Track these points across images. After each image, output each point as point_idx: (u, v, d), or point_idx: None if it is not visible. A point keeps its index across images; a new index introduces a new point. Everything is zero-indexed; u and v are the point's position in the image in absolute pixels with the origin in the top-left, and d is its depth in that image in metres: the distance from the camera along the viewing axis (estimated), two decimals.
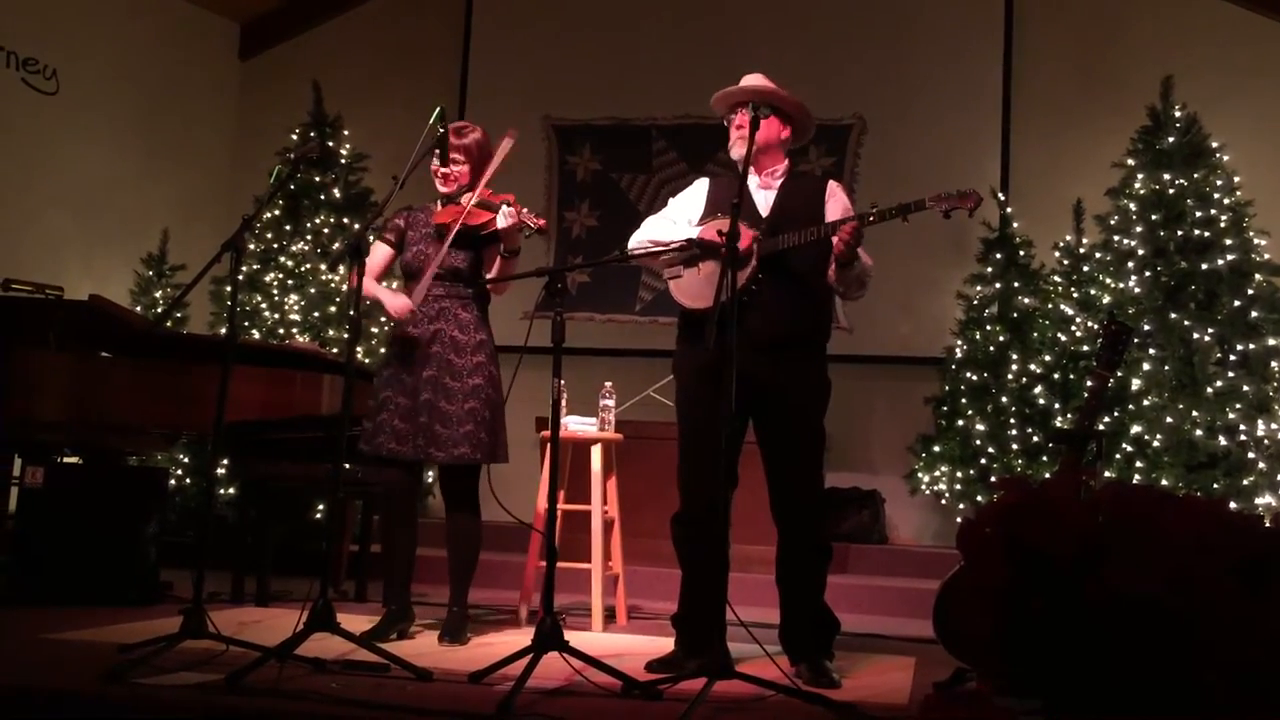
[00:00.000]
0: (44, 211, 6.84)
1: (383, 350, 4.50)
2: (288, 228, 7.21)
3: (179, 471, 6.74)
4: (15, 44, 6.69)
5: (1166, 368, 5.98)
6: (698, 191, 3.90)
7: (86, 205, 7.12)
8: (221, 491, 6.53)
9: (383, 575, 4.29)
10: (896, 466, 6.68)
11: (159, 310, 7.03)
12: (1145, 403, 5.95)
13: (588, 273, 7.42)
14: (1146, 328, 6.03)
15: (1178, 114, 6.29)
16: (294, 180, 6.95)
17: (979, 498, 6.18)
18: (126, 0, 7.42)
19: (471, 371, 4.06)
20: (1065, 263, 6.49)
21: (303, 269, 7.08)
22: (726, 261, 3.25)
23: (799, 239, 3.58)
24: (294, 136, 7.29)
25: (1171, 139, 6.26)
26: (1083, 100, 6.92)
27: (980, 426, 6.32)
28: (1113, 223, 6.34)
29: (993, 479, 6.15)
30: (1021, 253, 6.55)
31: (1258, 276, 6.06)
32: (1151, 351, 6.03)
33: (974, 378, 6.42)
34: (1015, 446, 6.24)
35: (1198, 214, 6.13)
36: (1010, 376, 6.33)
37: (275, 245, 7.20)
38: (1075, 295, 6.37)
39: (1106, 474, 5.62)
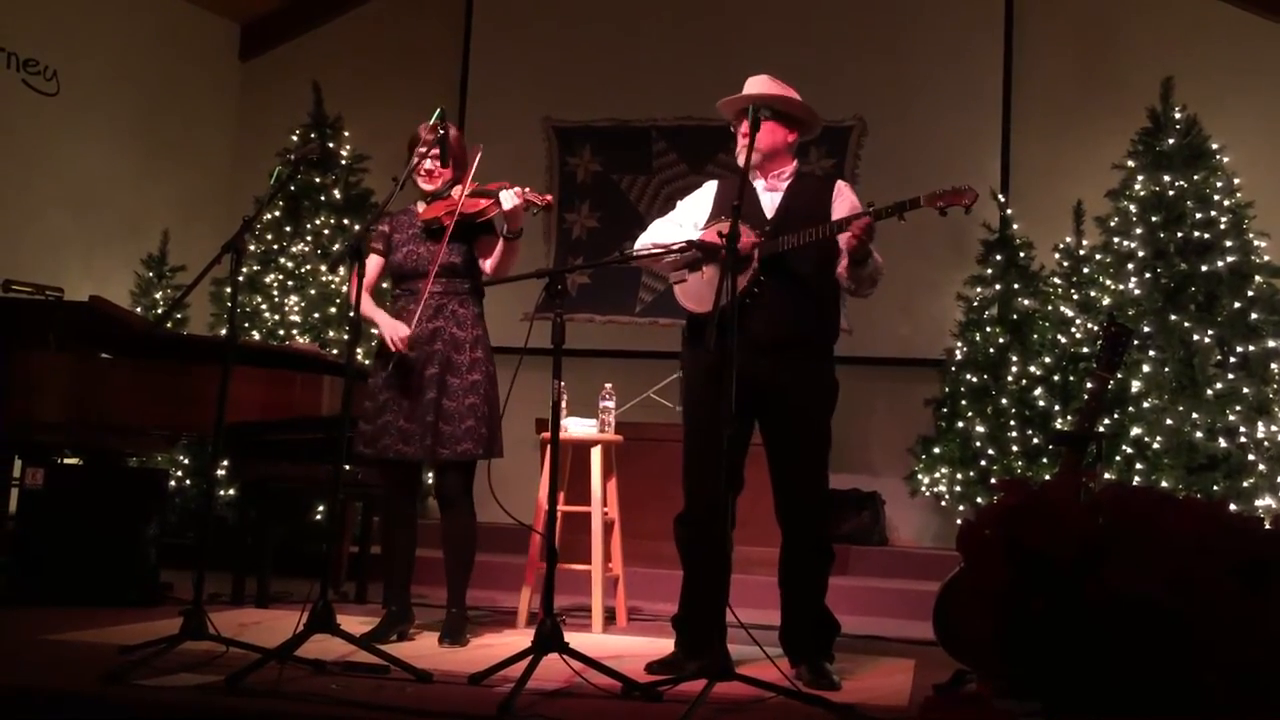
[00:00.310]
0: (44, 212, 6.84)
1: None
2: (288, 229, 7.22)
3: (179, 473, 6.74)
4: (16, 45, 6.69)
5: (1166, 369, 5.98)
6: (705, 194, 3.90)
7: (87, 206, 7.12)
8: (221, 493, 6.52)
9: (382, 577, 4.29)
10: (896, 468, 6.68)
11: (159, 311, 7.03)
12: (1145, 404, 5.95)
13: (588, 274, 7.42)
14: (1146, 329, 6.03)
15: (1178, 115, 6.29)
16: (294, 181, 6.96)
17: (979, 499, 6.18)
18: (127, 1, 7.42)
19: (471, 367, 4.07)
20: (1065, 264, 6.49)
21: (303, 270, 7.08)
22: (726, 264, 3.26)
23: (799, 240, 3.58)
24: (294, 137, 7.29)
25: (1172, 140, 6.26)
26: (1083, 101, 6.92)
27: (980, 428, 6.32)
28: (1113, 224, 6.34)
29: (993, 481, 6.15)
30: (1021, 254, 6.55)
31: (1258, 278, 6.06)
32: (1151, 353, 6.03)
33: (974, 379, 6.42)
34: (1015, 448, 6.24)
35: (1198, 215, 6.13)
36: (1010, 378, 6.33)
37: (275, 246, 7.20)
38: (1075, 297, 6.37)
39: (1106, 476, 5.63)
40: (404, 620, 4.10)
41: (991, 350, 6.41)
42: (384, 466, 4.14)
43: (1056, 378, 6.28)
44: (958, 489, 6.35)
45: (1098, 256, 6.37)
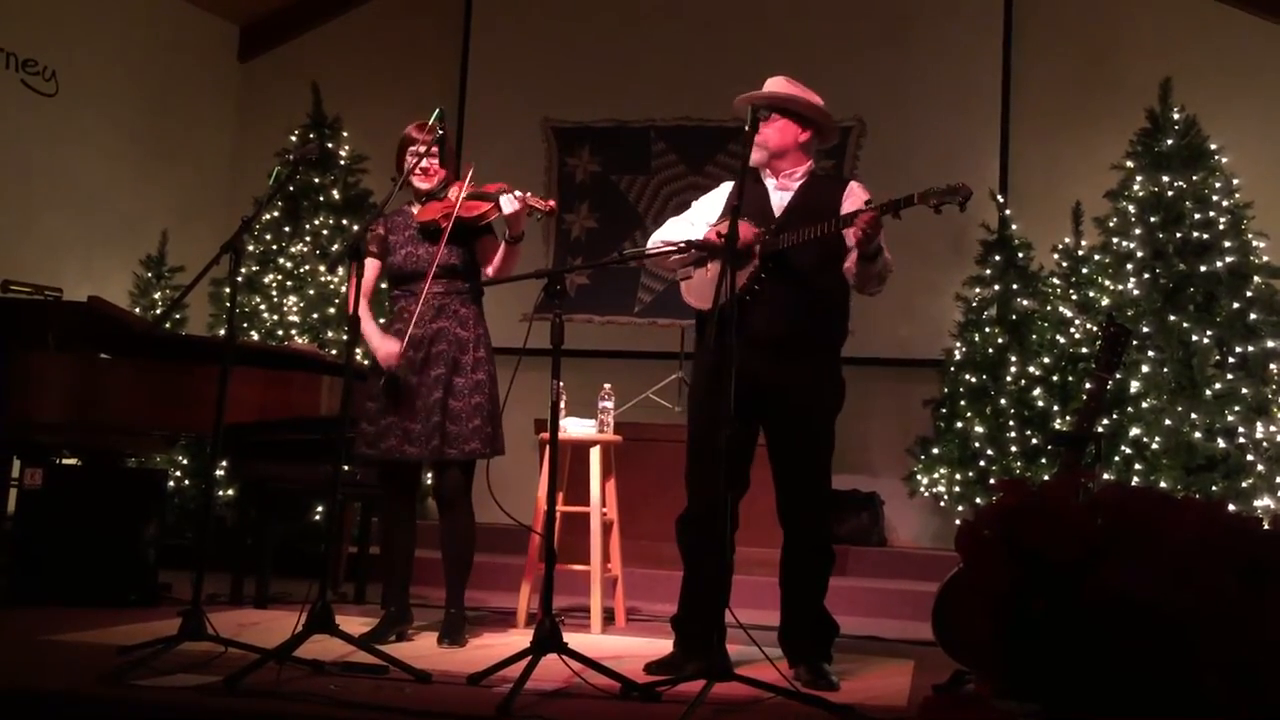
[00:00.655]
0: (43, 213, 6.84)
1: None
2: (287, 229, 7.22)
3: (178, 473, 6.74)
4: (15, 45, 6.69)
5: (1165, 370, 5.99)
6: (720, 193, 3.89)
7: (85, 206, 7.12)
8: (220, 493, 6.53)
9: (381, 577, 4.29)
10: (895, 468, 6.68)
11: (158, 311, 7.03)
12: (1144, 405, 5.95)
13: (587, 274, 7.42)
14: (1145, 330, 6.04)
15: (1176, 116, 6.29)
16: (293, 181, 6.96)
17: (978, 500, 6.18)
18: (126, 2, 7.42)
19: (474, 367, 4.07)
20: (1064, 265, 6.49)
21: (302, 270, 7.08)
22: (724, 262, 3.26)
23: (798, 237, 3.58)
24: (293, 138, 7.29)
25: (1170, 141, 6.26)
26: (1082, 102, 6.93)
27: (979, 428, 6.32)
28: (1112, 225, 6.35)
29: (992, 481, 6.15)
30: (1020, 255, 6.56)
31: (1256, 279, 6.06)
32: (1150, 353, 6.03)
33: (973, 379, 6.43)
34: (1014, 448, 6.25)
35: (1196, 216, 6.13)
36: (1009, 378, 6.33)
37: (274, 246, 7.20)
38: (1074, 297, 6.38)
39: (1105, 476, 5.62)
40: (403, 621, 4.10)
41: (990, 350, 6.42)
42: (384, 467, 4.13)
43: (1055, 378, 6.28)
44: (957, 489, 6.35)
45: (1096, 257, 6.38)
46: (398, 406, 4.02)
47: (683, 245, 3.73)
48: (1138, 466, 5.89)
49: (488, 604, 5.00)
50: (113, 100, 7.31)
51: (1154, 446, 5.89)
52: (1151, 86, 6.35)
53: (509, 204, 3.96)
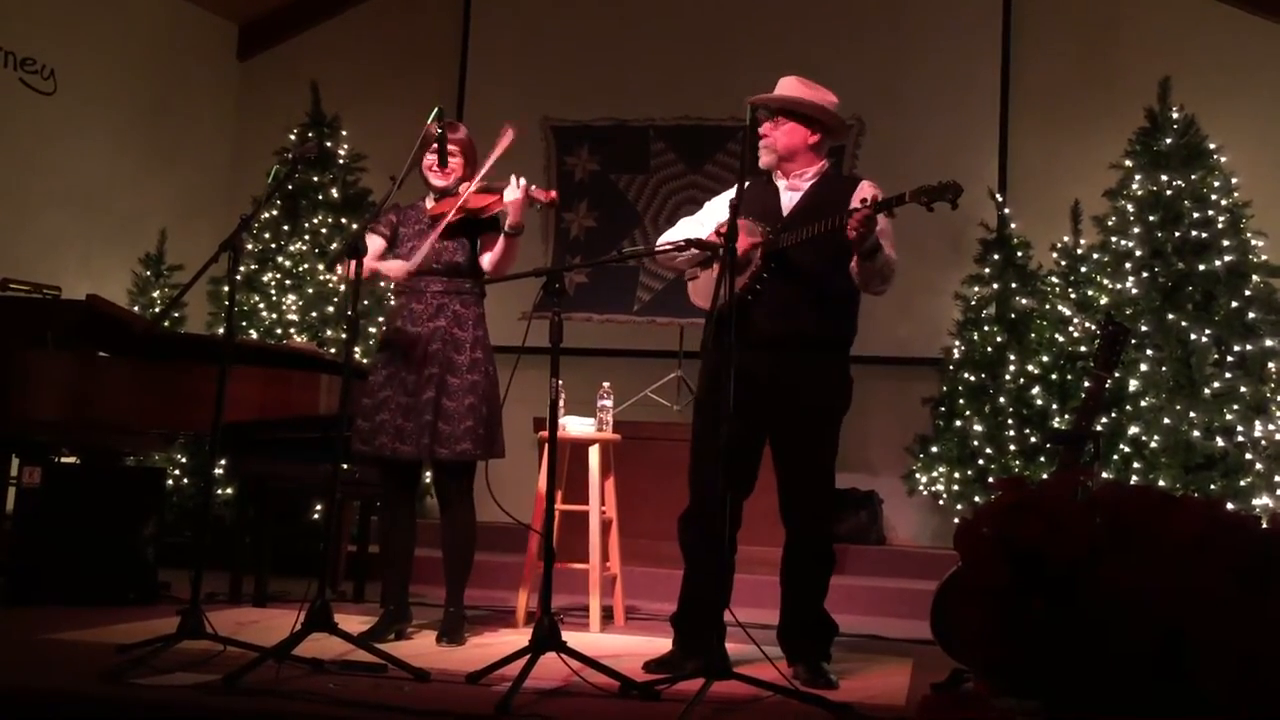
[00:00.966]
0: (42, 211, 6.84)
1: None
2: (286, 228, 7.21)
3: (176, 471, 6.74)
4: (13, 43, 6.68)
5: (1164, 368, 5.99)
6: (732, 194, 3.88)
7: (84, 205, 7.11)
8: (219, 491, 6.53)
9: (380, 576, 4.29)
10: (894, 467, 6.68)
11: (157, 310, 7.03)
12: (1143, 403, 5.96)
13: (586, 273, 7.42)
14: (1144, 328, 6.04)
15: (1175, 115, 6.29)
16: (292, 180, 6.96)
17: (977, 498, 6.19)
18: (125, 1, 7.41)
19: (471, 368, 4.06)
20: (1063, 263, 6.49)
21: (300, 269, 7.08)
22: (724, 262, 3.27)
23: (796, 237, 3.58)
24: (292, 136, 7.28)
25: (1169, 140, 6.26)
26: (1080, 101, 6.93)
27: (978, 427, 6.32)
28: (1110, 224, 6.35)
29: (990, 479, 6.15)
30: (1019, 254, 6.56)
31: (1255, 277, 6.06)
32: (1149, 352, 6.03)
33: (972, 378, 6.43)
34: (1013, 447, 6.25)
35: (1195, 215, 6.13)
36: (1008, 377, 6.33)
37: (273, 245, 7.20)
38: (1073, 296, 6.38)
39: (1104, 475, 5.63)
40: (402, 619, 4.10)
41: (989, 349, 6.42)
42: (383, 465, 4.13)
43: (1054, 377, 6.28)
44: (955, 488, 6.36)
45: (1095, 256, 6.38)
46: (404, 387, 4.01)
47: (681, 244, 3.74)
48: (1136, 465, 5.89)
49: (487, 603, 5.00)
50: (111, 99, 7.30)
51: (1153, 445, 5.89)
52: (1150, 85, 6.35)
53: (510, 192, 3.97)
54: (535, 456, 5.40)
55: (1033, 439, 6.22)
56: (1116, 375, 5.53)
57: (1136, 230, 6.22)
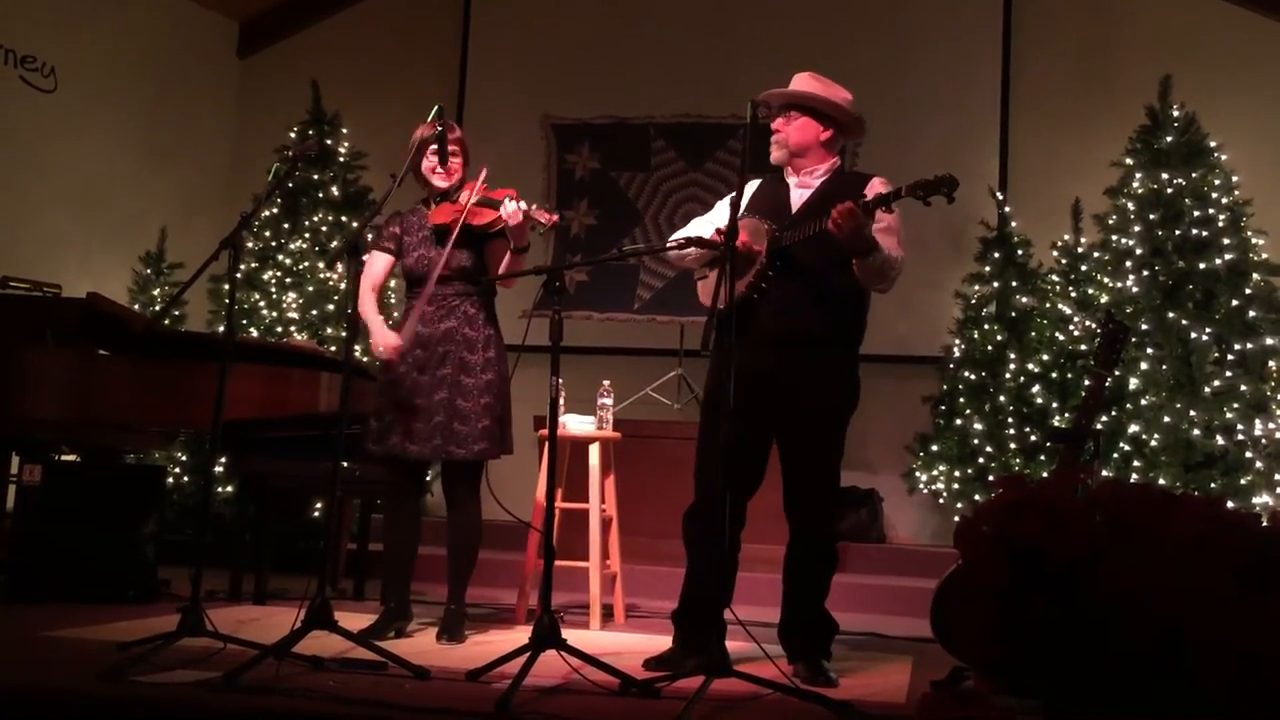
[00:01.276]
0: (42, 209, 6.84)
1: (382, 349, 4.48)
2: (286, 226, 7.21)
3: (177, 469, 6.74)
4: (13, 41, 6.68)
5: (1164, 367, 5.99)
6: (744, 193, 3.87)
7: (85, 203, 7.11)
8: (219, 489, 6.53)
9: (382, 573, 4.29)
10: (894, 465, 6.68)
11: (157, 308, 7.03)
12: (1143, 402, 5.96)
13: (586, 271, 7.41)
14: (1144, 327, 6.04)
15: (1176, 113, 6.29)
16: (292, 178, 6.95)
17: (977, 497, 6.19)
18: None
19: (484, 367, 4.06)
20: (1063, 262, 6.49)
21: (301, 267, 7.08)
22: (722, 262, 3.27)
23: (797, 235, 3.57)
24: (292, 134, 7.28)
25: (1170, 138, 6.26)
26: (1081, 100, 6.92)
27: (978, 425, 6.33)
28: (1111, 222, 6.35)
29: (990, 478, 6.15)
30: (1020, 252, 6.56)
31: (1255, 276, 6.06)
32: (1149, 351, 6.03)
33: (972, 377, 6.43)
34: (1013, 445, 6.25)
35: (1196, 213, 6.13)
36: (1008, 375, 6.34)
37: (273, 243, 7.20)
38: (1073, 294, 6.38)
39: (1104, 473, 5.62)
40: (402, 617, 4.10)
41: (990, 348, 6.42)
42: (390, 464, 4.13)
43: (1054, 375, 6.29)
44: (956, 486, 6.36)
45: (1096, 254, 6.38)
46: (396, 406, 4.03)
47: (681, 242, 3.73)
48: (1136, 464, 5.89)
49: (487, 600, 5.00)
50: (112, 97, 7.30)
51: (1153, 444, 5.89)
52: (1151, 84, 6.35)
53: (508, 208, 3.94)
54: (536, 455, 5.40)
55: (1033, 437, 6.22)
56: (1117, 374, 5.52)
57: (1137, 228, 6.22)
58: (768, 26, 7.27)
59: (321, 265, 7.04)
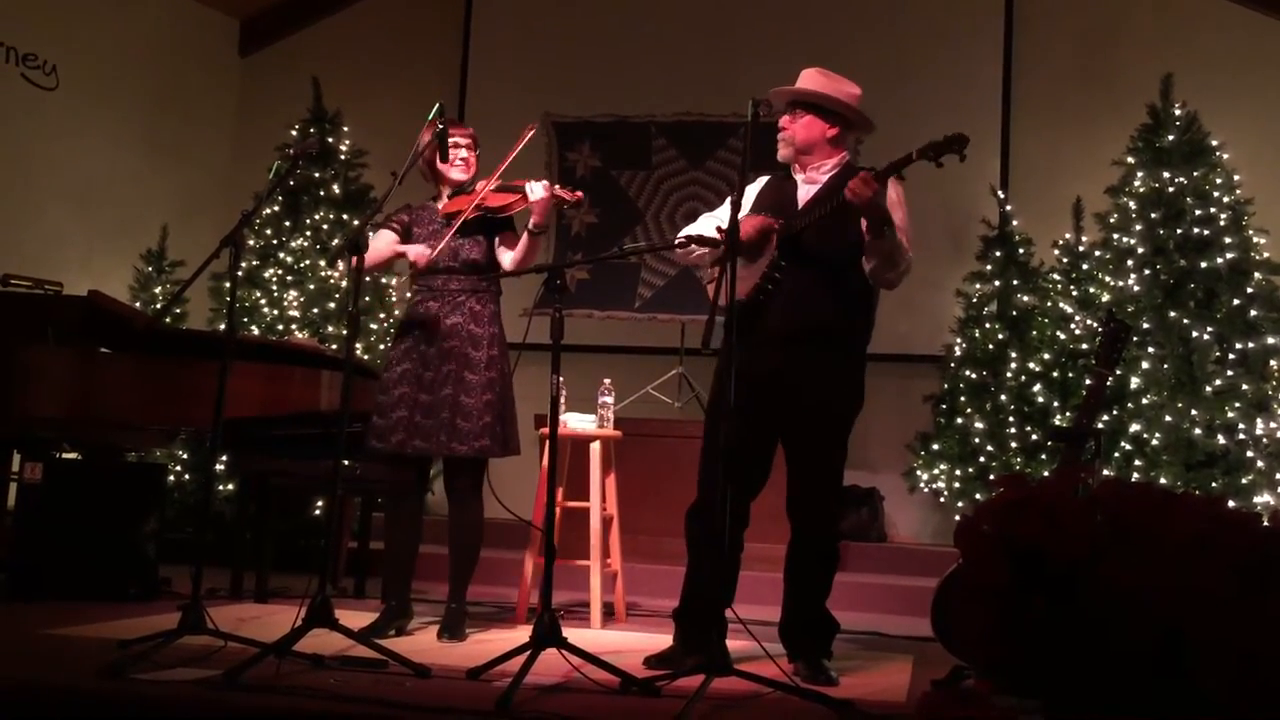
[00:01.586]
0: (43, 207, 6.84)
1: (383, 347, 4.48)
2: (287, 224, 7.21)
3: (178, 467, 6.74)
4: (15, 39, 6.69)
5: (1165, 366, 5.99)
6: (751, 190, 3.85)
7: (86, 201, 7.11)
8: (220, 488, 6.53)
9: (383, 571, 4.29)
10: (895, 464, 6.68)
11: (158, 306, 7.03)
12: (1144, 401, 5.95)
13: (587, 270, 7.41)
14: (1145, 326, 6.03)
15: (1177, 112, 6.29)
16: (293, 176, 6.94)
17: (978, 496, 6.18)
18: None
19: (487, 365, 4.07)
20: (1064, 261, 6.49)
21: (302, 265, 7.08)
22: (723, 262, 3.27)
23: (808, 217, 3.56)
24: (293, 132, 7.28)
25: (1171, 137, 6.26)
26: (1082, 98, 6.92)
27: (979, 424, 6.32)
28: (1112, 221, 6.34)
29: (991, 477, 6.14)
30: (1021, 251, 6.55)
31: (1257, 275, 6.05)
32: (1150, 350, 6.03)
33: (973, 375, 6.43)
34: (1014, 444, 6.25)
35: (1197, 212, 6.13)
36: (1009, 374, 6.33)
37: (274, 241, 7.20)
38: (1074, 293, 6.37)
39: (1105, 472, 5.62)
40: (403, 615, 4.10)
41: (991, 346, 6.42)
42: (393, 461, 4.13)
43: (1055, 374, 6.28)
44: (956, 485, 6.36)
45: (1097, 253, 6.37)
46: (427, 359, 4.02)
47: (682, 241, 3.73)
48: (1138, 463, 5.89)
49: (488, 598, 5.00)
50: (113, 95, 7.30)
51: (1154, 443, 5.89)
52: (1152, 82, 6.35)
53: (536, 191, 3.94)
54: (536, 453, 5.40)
55: (1034, 436, 6.22)
56: (1118, 373, 5.52)
57: (1138, 227, 6.22)
58: (768, 25, 7.27)
59: (323, 263, 7.04)
